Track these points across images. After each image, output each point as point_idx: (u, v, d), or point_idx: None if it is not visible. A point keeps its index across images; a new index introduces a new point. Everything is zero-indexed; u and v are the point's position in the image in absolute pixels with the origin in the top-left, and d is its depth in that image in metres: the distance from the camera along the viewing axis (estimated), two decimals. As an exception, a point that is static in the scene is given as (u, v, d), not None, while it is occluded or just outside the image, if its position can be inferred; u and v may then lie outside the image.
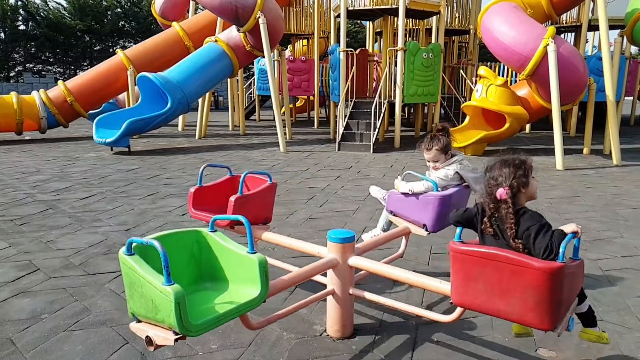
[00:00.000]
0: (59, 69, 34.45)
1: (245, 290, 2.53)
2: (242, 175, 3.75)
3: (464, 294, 2.54)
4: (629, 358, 3.06)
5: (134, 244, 2.33)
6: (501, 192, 2.54)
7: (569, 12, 15.10)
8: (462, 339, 3.25)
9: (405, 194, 3.78)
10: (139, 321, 2.36)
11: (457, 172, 3.80)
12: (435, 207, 3.65)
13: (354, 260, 3.18)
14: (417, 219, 3.78)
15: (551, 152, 10.77)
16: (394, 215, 3.99)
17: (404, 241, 4.02)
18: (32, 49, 32.73)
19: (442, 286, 2.80)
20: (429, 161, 3.90)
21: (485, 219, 2.64)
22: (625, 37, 12.53)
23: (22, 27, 32.22)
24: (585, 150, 12.18)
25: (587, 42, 17.96)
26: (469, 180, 3.80)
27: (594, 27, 16.53)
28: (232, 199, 3.59)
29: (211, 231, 2.73)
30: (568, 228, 2.45)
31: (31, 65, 33.51)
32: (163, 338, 2.21)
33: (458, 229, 2.66)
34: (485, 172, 2.71)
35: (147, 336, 2.28)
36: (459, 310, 2.67)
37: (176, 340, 2.18)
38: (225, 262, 2.67)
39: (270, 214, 4.04)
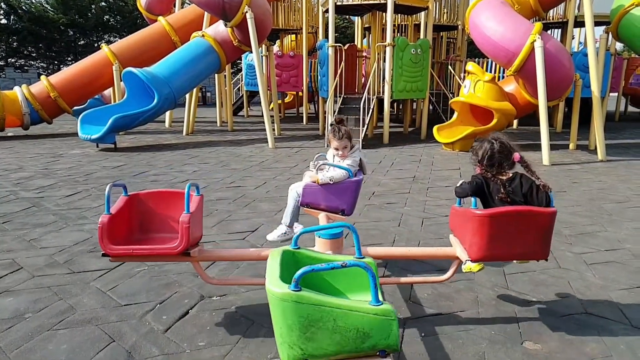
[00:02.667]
0: (42, 64, 33.99)
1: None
2: (187, 189, 3.26)
3: (486, 250, 3.09)
4: (613, 350, 3.08)
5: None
6: (516, 156, 3.34)
7: (555, 8, 15.17)
8: (449, 333, 3.25)
9: (325, 184, 3.95)
10: None
11: (360, 158, 4.17)
12: (353, 192, 4.02)
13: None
14: (335, 205, 4.00)
15: (538, 147, 10.82)
16: (309, 207, 4.07)
17: (453, 268, 3.49)
18: (14, 44, 32.20)
19: (448, 250, 3.41)
20: (337, 149, 4.09)
21: (501, 189, 3.22)
22: (610, 33, 12.62)
23: (3, 21, 31.65)
24: (571, 146, 12.28)
25: (573, 38, 18.12)
26: (364, 165, 4.24)
27: (580, 23, 16.62)
28: (184, 218, 3.12)
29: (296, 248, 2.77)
30: (543, 183, 3.27)
31: (13, 60, 33.02)
32: None
33: (473, 200, 3.39)
34: (490, 148, 3.31)
35: None
36: (453, 267, 3.29)
37: None
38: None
39: (202, 232, 3.64)
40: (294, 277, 1.97)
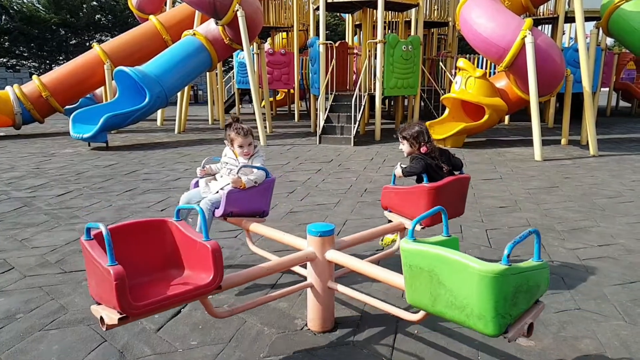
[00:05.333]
0: (33, 64, 33.75)
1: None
2: (200, 213, 2.86)
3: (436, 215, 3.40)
4: (606, 345, 3.09)
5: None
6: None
7: (546, 4, 15.21)
8: (443, 331, 3.25)
9: (250, 187, 3.86)
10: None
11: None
12: (271, 192, 4.04)
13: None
14: (258, 208, 3.98)
15: (530, 143, 10.86)
16: (232, 216, 3.91)
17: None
18: (6, 43, 32.01)
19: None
20: (241, 147, 3.97)
21: (442, 164, 3.96)
22: (600, 29, 12.67)
23: (-6, 21, 31.55)
24: (563, 141, 12.32)
25: (563, 33, 18.18)
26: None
27: (570, 19, 16.71)
28: (214, 246, 2.57)
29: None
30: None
31: (5, 60, 32.76)
32: None
33: (425, 176, 3.87)
34: (424, 129, 4.02)
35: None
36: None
37: None
38: None
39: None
40: (507, 252, 2.10)
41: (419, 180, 3.92)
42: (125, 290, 2.23)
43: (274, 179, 4.05)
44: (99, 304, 2.42)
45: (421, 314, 2.63)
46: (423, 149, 3.96)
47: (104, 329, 2.34)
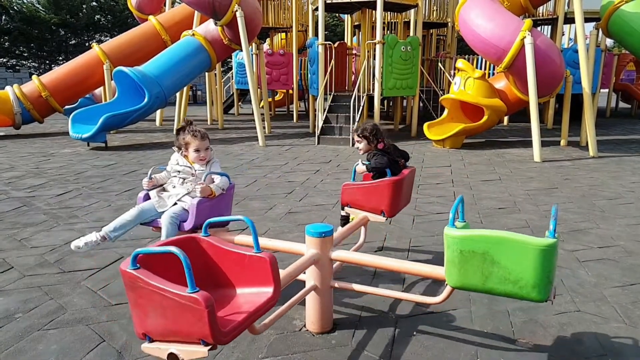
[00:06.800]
0: (33, 64, 33.79)
1: None
2: (250, 224, 2.66)
3: (397, 206, 4.20)
4: (606, 348, 3.08)
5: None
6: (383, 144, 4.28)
7: (545, 4, 15.22)
8: (442, 332, 3.26)
9: (219, 195, 3.63)
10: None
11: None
12: (232, 198, 3.89)
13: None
14: (221, 214, 3.63)
15: (529, 144, 10.87)
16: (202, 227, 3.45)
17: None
18: (6, 44, 32.03)
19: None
20: (198, 151, 3.69)
21: (397, 158, 4.28)
22: (600, 29, 12.67)
23: (-5, 22, 31.59)
24: (562, 142, 12.33)
25: (563, 34, 18.19)
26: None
27: (570, 19, 16.72)
28: (271, 259, 2.50)
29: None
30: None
31: (5, 60, 32.82)
32: None
33: (388, 171, 4.14)
34: (377, 126, 4.33)
35: None
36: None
37: None
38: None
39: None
40: (553, 228, 2.40)
41: (379, 176, 4.18)
42: (216, 317, 2.04)
43: (234, 184, 3.87)
44: (154, 340, 2.21)
45: (443, 296, 2.85)
46: (380, 145, 4.24)
47: None
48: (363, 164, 4.26)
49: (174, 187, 3.75)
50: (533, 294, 2.46)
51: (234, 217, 2.98)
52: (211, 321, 2.00)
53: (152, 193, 3.74)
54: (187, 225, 3.53)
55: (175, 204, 3.64)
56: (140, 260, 2.20)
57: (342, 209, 4.36)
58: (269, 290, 2.48)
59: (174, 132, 3.77)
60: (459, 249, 2.57)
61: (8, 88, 13.51)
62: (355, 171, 4.33)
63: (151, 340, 2.23)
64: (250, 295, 2.52)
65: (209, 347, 2.08)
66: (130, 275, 2.15)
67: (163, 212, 3.61)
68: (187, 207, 3.59)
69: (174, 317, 2.09)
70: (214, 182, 3.66)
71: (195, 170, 3.73)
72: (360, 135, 4.29)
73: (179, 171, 3.76)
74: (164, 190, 3.79)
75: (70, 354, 2.97)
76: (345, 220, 4.49)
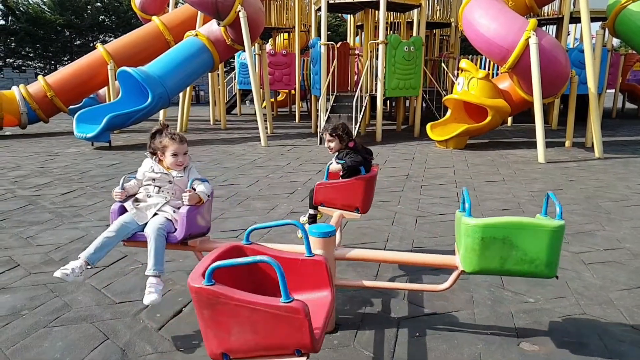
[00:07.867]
0: (39, 64, 34.02)
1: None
2: (300, 227, 2.67)
3: (370, 201, 4.37)
4: (612, 351, 3.05)
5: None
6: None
7: (550, 4, 15.17)
8: (445, 333, 3.24)
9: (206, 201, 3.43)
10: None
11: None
12: (212, 202, 3.62)
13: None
14: (207, 223, 3.54)
15: (533, 145, 10.83)
16: (191, 237, 3.38)
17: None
18: (12, 44, 32.24)
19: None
20: (175, 155, 3.44)
21: (368, 156, 4.34)
22: (607, 29, 12.61)
23: (1, 22, 31.80)
24: (567, 143, 12.26)
25: (568, 34, 18.10)
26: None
27: (575, 19, 16.64)
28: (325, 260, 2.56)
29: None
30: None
31: (11, 60, 33.05)
32: None
33: (362, 168, 4.21)
34: (349, 127, 4.35)
35: None
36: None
37: None
38: None
39: None
40: (559, 211, 2.79)
41: (349, 175, 4.23)
42: (311, 325, 1.95)
43: (213, 190, 3.62)
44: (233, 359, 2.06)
45: (449, 282, 3.02)
46: (351, 144, 4.30)
47: None
48: (338, 162, 4.26)
49: (150, 196, 3.43)
50: (546, 271, 2.74)
51: (282, 222, 2.86)
52: (310, 329, 1.92)
53: (128, 205, 3.39)
54: (179, 235, 3.28)
55: (156, 214, 3.35)
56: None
57: (312, 208, 4.41)
58: (324, 293, 2.43)
59: (149, 136, 3.58)
60: (480, 237, 2.72)
61: (14, 88, 13.63)
62: (328, 170, 4.34)
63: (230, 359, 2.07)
64: (309, 299, 2.31)
65: (304, 358, 1.99)
66: (209, 291, 1.98)
67: (144, 224, 3.33)
68: (169, 217, 3.32)
69: (266, 330, 1.98)
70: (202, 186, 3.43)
71: (173, 177, 3.45)
72: (334, 134, 4.27)
73: (154, 179, 3.46)
74: (137, 200, 3.45)
75: (75, 351, 2.99)
76: (312, 219, 4.44)
